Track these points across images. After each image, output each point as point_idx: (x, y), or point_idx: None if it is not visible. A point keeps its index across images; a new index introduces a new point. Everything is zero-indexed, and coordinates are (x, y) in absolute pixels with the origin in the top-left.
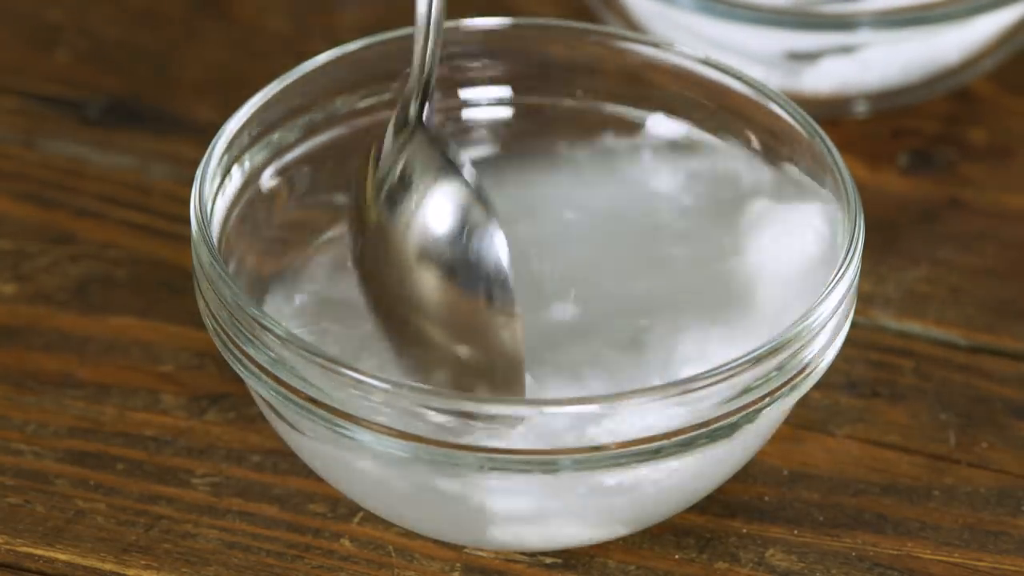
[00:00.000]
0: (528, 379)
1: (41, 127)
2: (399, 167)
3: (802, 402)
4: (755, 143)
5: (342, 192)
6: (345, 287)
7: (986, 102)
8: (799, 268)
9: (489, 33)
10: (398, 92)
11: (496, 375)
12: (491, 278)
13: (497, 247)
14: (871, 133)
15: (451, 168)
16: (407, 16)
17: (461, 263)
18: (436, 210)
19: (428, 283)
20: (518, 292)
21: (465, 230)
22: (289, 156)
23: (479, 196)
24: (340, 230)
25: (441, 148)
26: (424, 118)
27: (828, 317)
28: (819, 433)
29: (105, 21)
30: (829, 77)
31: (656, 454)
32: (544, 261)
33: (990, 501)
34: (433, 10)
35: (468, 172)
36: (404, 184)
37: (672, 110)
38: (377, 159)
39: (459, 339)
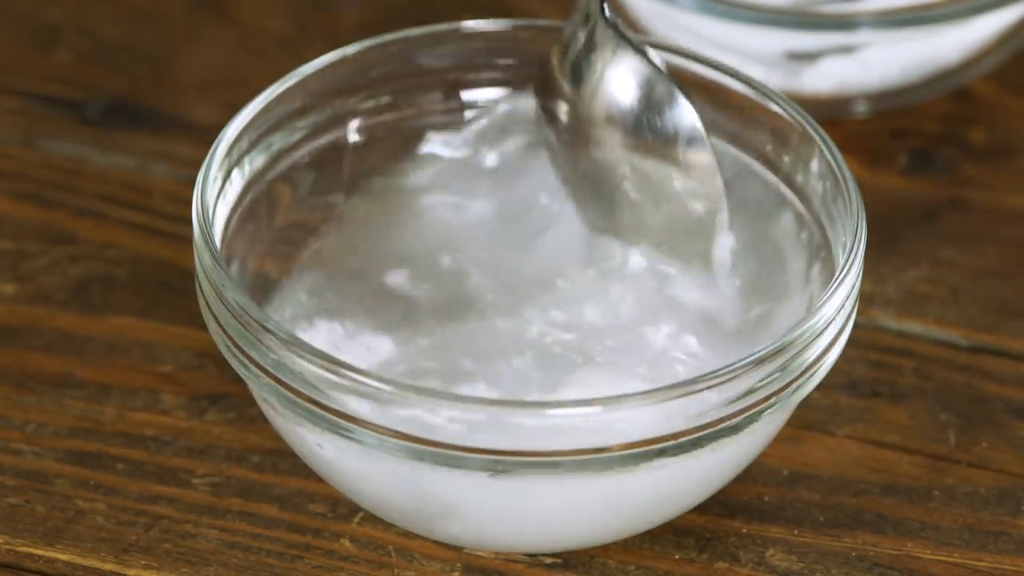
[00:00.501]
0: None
1: (41, 127)
2: (581, 45)
3: (802, 402)
4: (755, 143)
5: (343, 193)
6: (346, 287)
7: (986, 102)
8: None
9: (489, 34)
10: None
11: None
12: (686, 139)
13: (685, 111)
14: (871, 133)
15: (633, 47)
16: (407, 17)
17: (653, 127)
18: (620, 80)
19: (619, 147)
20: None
21: (651, 100)
22: (290, 158)
23: (662, 71)
24: (340, 230)
25: (622, 32)
26: (604, 10)
27: (830, 318)
28: (819, 433)
29: (105, 21)
30: (829, 77)
31: (659, 455)
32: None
33: (990, 501)
34: None
35: (651, 54)
36: (589, 59)
37: None
38: (565, 47)
39: (656, 202)
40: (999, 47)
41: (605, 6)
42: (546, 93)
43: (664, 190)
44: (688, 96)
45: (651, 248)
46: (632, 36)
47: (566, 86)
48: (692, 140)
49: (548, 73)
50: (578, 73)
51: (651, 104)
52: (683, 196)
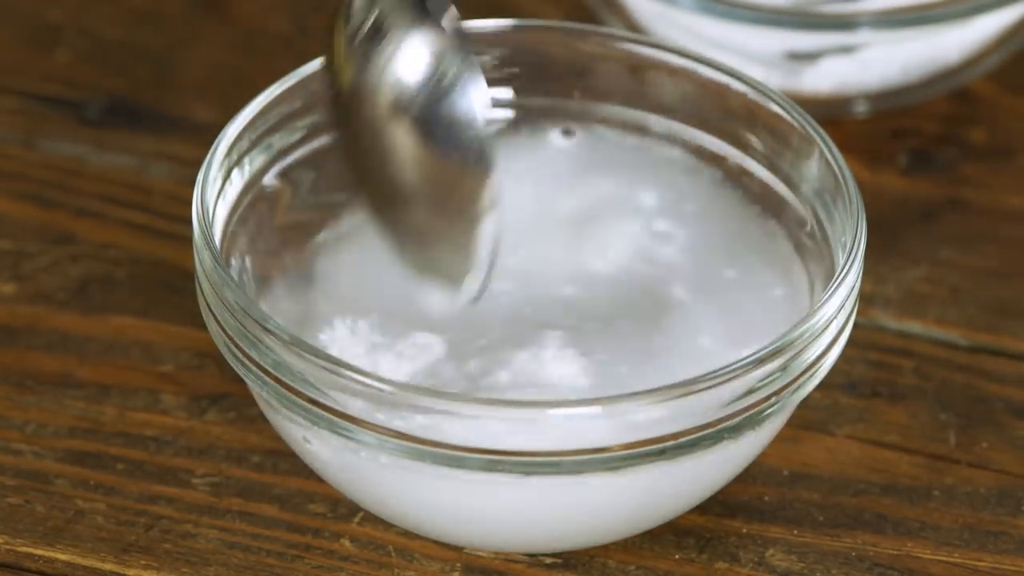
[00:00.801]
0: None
1: (41, 127)
2: (371, 17)
3: (802, 402)
4: (755, 143)
5: (344, 193)
6: (346, 288)
7: (986, 102)
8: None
9: (489, 34)
10: None
11: (458, 240)
12: (465, 133)
13: (472, 98)
14: (871, 133)
15: (426, 16)
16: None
17: (435, 115)
18: (409, 60)
19: (401, 138)
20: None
21: (440, 80)
22: (290, 158)
23: (458, 44)
24: (341, 230)
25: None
26: None
27: (831, 318)
28: (819, 433)
29: (105, 21)
30: (829, 77)
31: (660, 455)
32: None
33: (990, 501)
34: None
35: (448, 19)
36: (376, 34)
37: (672, 110)
38: (348, 12)
39: (430, 199)
40: (999, 47)
41: None
42: (330, 74)
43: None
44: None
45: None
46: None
47: (351, 67)
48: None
49: (331, 50)
50: (365, 53)
51: (442, 87)
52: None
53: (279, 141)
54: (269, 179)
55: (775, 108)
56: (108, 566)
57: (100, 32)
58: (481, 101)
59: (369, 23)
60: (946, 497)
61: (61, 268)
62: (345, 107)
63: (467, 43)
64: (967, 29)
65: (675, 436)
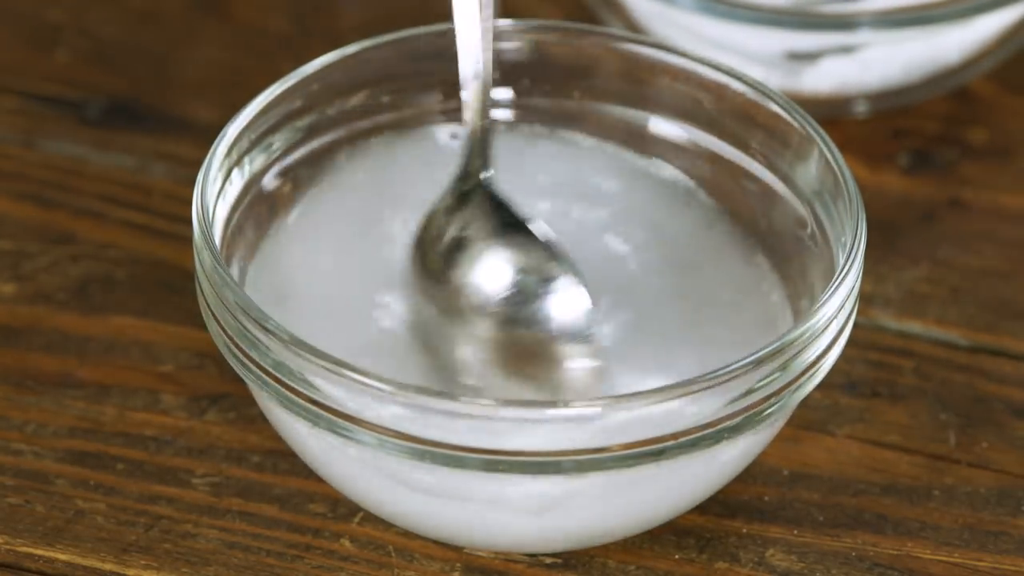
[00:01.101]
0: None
1: (41, 127)
2: (456, 227)
3: (802, 402)
4: (755, 143)
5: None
6: (346, 288)
7: (986, 102)
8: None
9: None
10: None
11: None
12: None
13: (567, 304)
14: (871, 133)
15: (514, 227)
16: (407, 17)
17: (522, 323)
18: (493, 271)
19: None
20: None
21: (526, 290)
22: (290, 158)
23: (548, 254)
24: (342, 230)
25: (503, 205)
26: (484, 176)
27: (831, 318)
28: (819, 433)
29: (105, 21)
30: (829, 77)
31: (660, 455)
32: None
33: (990, 501)
34: (482, 61)
35: (538, 229)
36: (461, 245)
37: (672, 110)
38: (434, 219)
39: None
40: (999, 47)
41: (489, 175)
42: (420, 256)
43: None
44: (578, 274)
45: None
46: (514, 209)
47: (435, 274)
48: (574, 335)
49: (421, 237)
50: (450, 250)
51: (527, 296)
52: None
53: (279, 141)
54: (269, 179)
55: (775, 108)
56: (108, 566)
57: (100, 32)
58: (573, 305)
59: (454, 232)
60: (946, 497)
61: (61, 268)
62: (430, 310)
63: (557, 251)
64: (967, 29)
65: (675, 436)
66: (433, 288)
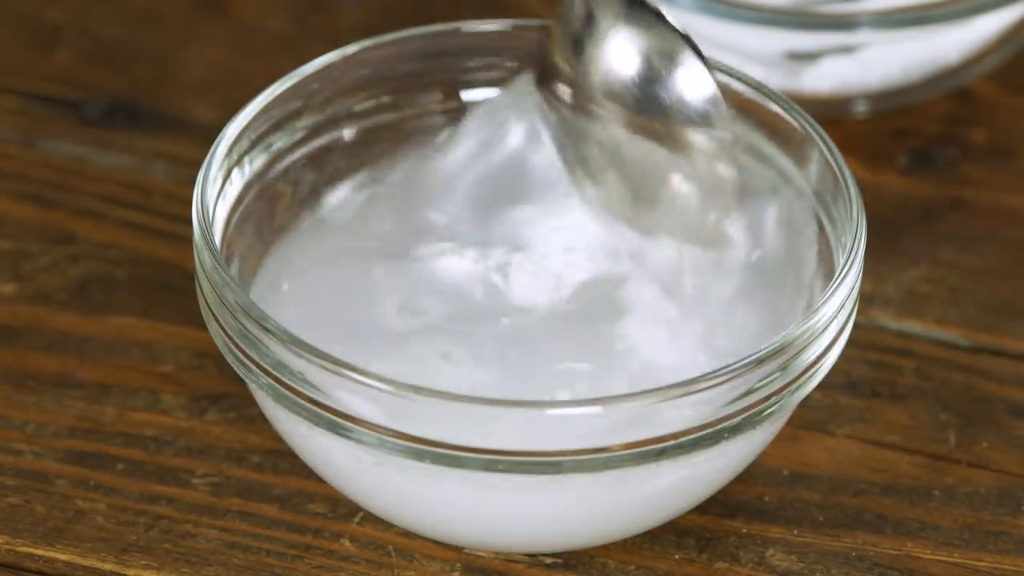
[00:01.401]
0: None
1: (41, 127)
2: (584, 10)
3: (802, 402)
4: (755, 143)
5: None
6: (346, 287)
7: (986, 102)
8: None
9: (489, 34)
10: None
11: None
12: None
13: (698, 78)
14: (871, 133)
15: (639, 8)
16: (407, 17)
17: (662, 98)
18: (624, 49)
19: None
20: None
21: (658, 67)
22: (290, 158)
23: (674, 34)
24: (341, 229)
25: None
26: None
27: (831, 318)
28: (819, 433)
29: (105, 21)
30: (829, 77)
31: (660, 455)
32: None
33: (990, 501)
34: None
35: (663, 11)
36: (590, 28)
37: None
38: (565, 14)
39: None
40: (999, 47)
41: None
42: (547, 76)
43: (677, 166)
44: (703, 57)
45: (665, 234)
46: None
47: (566, 64)
48: (707, 109)
49: (547, 51)
50: (579, 45)
51: (658, 72)
52: (699, 172)
53: (279, 141)
54: (269, 179)
55: (775, 108)
56: (108, 566)
57: (100, 32)
58: (704, 80)
59: (583, 14)
60: (946, 497)
61: (61, 268)
62: (571, 102)
63: (683, 32)
64: (967, 29)
65: (675, 436)
66: (569, 72)
